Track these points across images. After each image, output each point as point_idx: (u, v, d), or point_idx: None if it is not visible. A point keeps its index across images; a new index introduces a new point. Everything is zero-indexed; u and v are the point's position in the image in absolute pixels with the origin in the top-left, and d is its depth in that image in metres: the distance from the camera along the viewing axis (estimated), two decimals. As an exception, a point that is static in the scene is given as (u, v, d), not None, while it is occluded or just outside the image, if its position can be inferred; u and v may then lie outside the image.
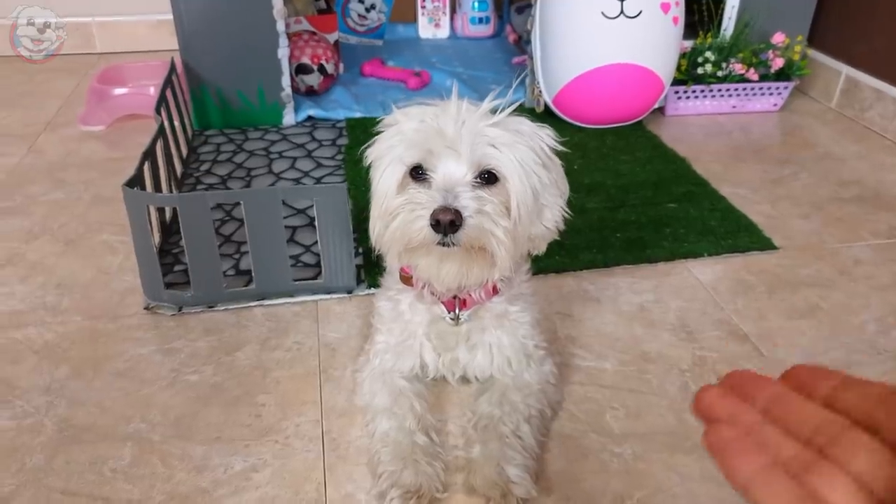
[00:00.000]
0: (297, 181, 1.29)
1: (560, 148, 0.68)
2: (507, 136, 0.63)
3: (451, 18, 2.12)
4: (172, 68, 1.35)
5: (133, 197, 0.87)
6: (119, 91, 1.52)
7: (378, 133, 0.67)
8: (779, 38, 1.56)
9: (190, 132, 1.43)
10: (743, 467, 0.22)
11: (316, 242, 1.01)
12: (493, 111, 0.64)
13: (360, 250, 1.04)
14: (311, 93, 1.62)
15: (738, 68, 1.53)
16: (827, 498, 0.20)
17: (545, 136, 0.67)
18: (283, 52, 1.42)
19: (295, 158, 1.37)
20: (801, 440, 0.22)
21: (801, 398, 0.23)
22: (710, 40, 1.55)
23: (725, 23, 1.60)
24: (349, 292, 0.98)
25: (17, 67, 1.85)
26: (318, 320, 0.94)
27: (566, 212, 0.69)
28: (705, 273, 1.05)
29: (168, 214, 1.13)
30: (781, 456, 0.22)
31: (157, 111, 1.14)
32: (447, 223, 0.59)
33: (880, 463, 0.20)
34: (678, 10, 1.42)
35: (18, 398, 0.81)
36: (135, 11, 1.98)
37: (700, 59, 1.53)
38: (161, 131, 1.09)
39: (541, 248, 0.70)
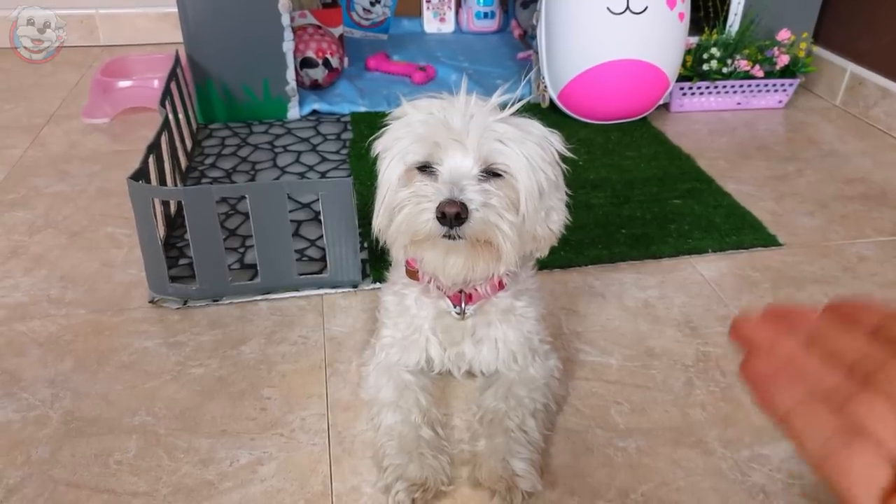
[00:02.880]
0: (301, 175, 1.29)
1: (568, 154, 0.67)
2: (516, 132, 0.62)
3: (457, 13, 2.12)
4: (177, 61, 1.35)
5: (138, 190, 0.87)
6: (123, 84, 1.51)
7: (386, 125, 0.67)
8: (784, 35, 1.56)
9: (194, 125, 1.43)
10: (782, 399, 0.21)
11: (321, 237, 1.01)
12: (502, 107, 0.64)
13: (366, 244, 1.04)
14: (315, 87, 1.62)
15: (743, 65, 1.53)
16: (869, 428, 0.19)
17: (555, 140, 0.67)
18: (287, 46, 1.42)
19: (300, 152, 1.37)
20: (844, 370, 0.21)
21: (845, 328, 0.22)
22: (715, 37, 1.55)
23: (731, 19, 1.59)
24: (354, 286, 0.98)
25: (21, 60, 1.85)
26: (323, 314, 0.94)
27: (567, 217, 0.69)
28: (710, 269, 1.05)
29: (173, 208, 1.12)
30: (822, 386, 0.21)
31: (162, 104, 1.13)
32: (453, 216, 0.59)
33: None
34: (684, 6, 1.41)
35: (23, 390, 0.81)
36: (138, 4, 1.97)
37: (705, 56, 1.53)
38: (166, 124, 1.09)
39: (543, 252, 0.71)
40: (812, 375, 0.21)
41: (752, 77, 1.56)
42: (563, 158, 0.67)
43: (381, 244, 0.68)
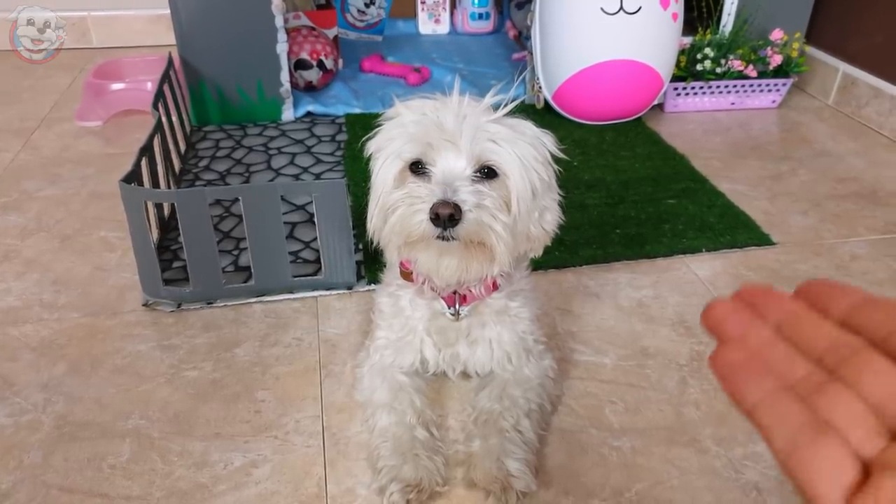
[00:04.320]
0: (296, 177, 1.29)
1: (561, 155, 0.68)
2: (508, 132, 0.63)
3: (451, 14, 2.12)
4: (170, 63, 1.34)
5: (130, 193, 0.87)
6: (116, 86, 1.51)
7: (379, 125, 0.67)
8: (777, 35, 1.56)
9: (188, 128, 1.43)
10: (750, 391, 0.21)
11: (315, 238, 1.00)
12: (495, 107, 0.64)
13: (360, 246, 1.04)
14: (310, 88, 1.62)
15: (736, 65, 1.53)
16: (834, 422, 0.19)
17: (547, 140, 0.67)
18: (281, 48, 1.42)
19: (294, 154, 1.37)
20: (813, 360, 0.21)
21: (816, 315, 0.22)
22: (709, 37, 1.56)
23: (724, 19, 1.60)
24: (349, 288, 0.98)
25: (13, 63, 1.84)
26: (317, 316, 0.94)
27: (560, 217, 0.70)
28: (703, 269, 1.05)
29: (166, 210, 1.12)
30: (791, 378, 0.20)
31: (155, 107, 1.13)
32: (446, 217, 0.59)
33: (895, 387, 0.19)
34: (677, 7, 1.41)
35: (16, 395, 0.80)
36: (131, 6, 1.97)
37: (699, 56, 1.53)
38: (158, 127, 1.08)
39: (538, 252, 0.71)
40: (782, 366, 0.21)
41: (746, 77, 1.56)
42: (556, 159, 0.67)
43: (375, 245, 0.68)
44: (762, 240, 1.12)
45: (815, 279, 0.23)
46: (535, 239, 0.68)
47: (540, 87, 1.52)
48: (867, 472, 0.18)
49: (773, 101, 1.64)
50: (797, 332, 0.22)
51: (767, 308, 0.23)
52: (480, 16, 2.09)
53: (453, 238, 0.61)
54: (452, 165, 0.62)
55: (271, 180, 1.27)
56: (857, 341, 0.20)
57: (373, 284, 0.97)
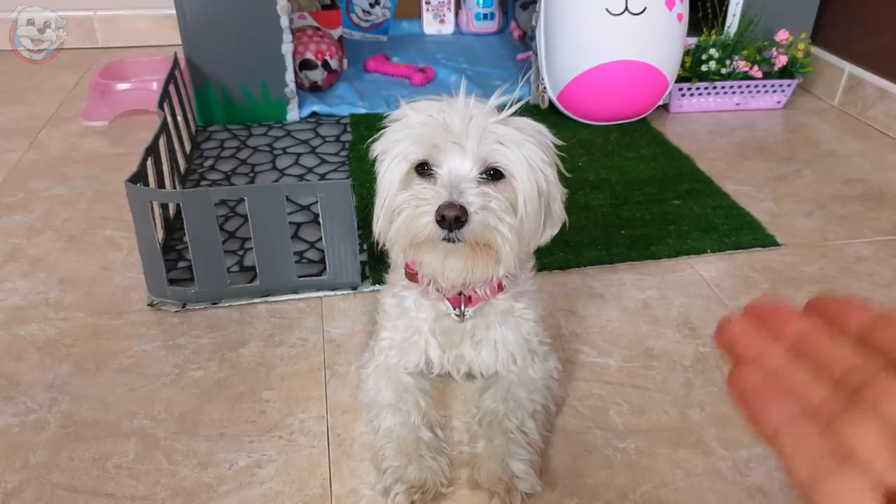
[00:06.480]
0: (300, 177, 1.29)
1: (562, 154, 0.67)
2: (515, 133, 0.63)
3: (456, 14, 2.12)
4: (175, 63, 1.35)
5: (136, 193, 0.87)
6: (122, 86, 1.51)
7: (385, 127, 0.67)
8: (782, 36, 1.56)
9: (193, 128, 1.43)
10: (769, 416, 0.20)
11: (320, 239, 1.01)
12: (501, 108, 0.64)
13: (365, 246, 1.04)
14: (314, 89, 1.62)
15: (741, 65, 1.53)
16: (856, 448, 0.18)
17: (550, 136, 0.67)
18: (286, 48, 1.42)
19: (299, 154, 1.37)
20: (831, 383, 0.20)
21: (831, 334, 0.21)
22: (714, 37, 1.55)
23: (729, 20, 1.59)
24: (354, 289, 0.98)
25: (19, 63, 1.85)
26: (322, 317, 0.94)
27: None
28: (709, 270, 1.05)
29: (172, 210, 1.12)
30: (810, 401, 0.20)
31: (160, 107, 1.14)
32: (452, 219, 0.59)
33: None
34: (682, 7, 1.41)
35: (22, 394, 0.81)
36: (137, 6, 1.98)
37: (704, 57, 1.53)
38: (164, 127, 1.09)
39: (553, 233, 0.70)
40: (801, 388, 0.20)
41: (751, 78, 1.56)
42: (561, 159, 0.67)
43: (380, 246, 0.68)
44: (767, 241, 1.11)
45: (826, 293, 0.22)
46: (557, 219, 0.68)
47: (544, 88, 1.52)
48: (891, 500, 0.18)
49: (778, 102, 1.63)
50: (814, 351, 0.21)
51: (781, 326, 0.22)
52: (485, 16, 2.09)
53: (459, 240, 0.61)
54: (458, 167, 0.62)
55: (276, 180, 1.27)
56: (877, 362, 0.20)
57: (377, 285, 0.97)
